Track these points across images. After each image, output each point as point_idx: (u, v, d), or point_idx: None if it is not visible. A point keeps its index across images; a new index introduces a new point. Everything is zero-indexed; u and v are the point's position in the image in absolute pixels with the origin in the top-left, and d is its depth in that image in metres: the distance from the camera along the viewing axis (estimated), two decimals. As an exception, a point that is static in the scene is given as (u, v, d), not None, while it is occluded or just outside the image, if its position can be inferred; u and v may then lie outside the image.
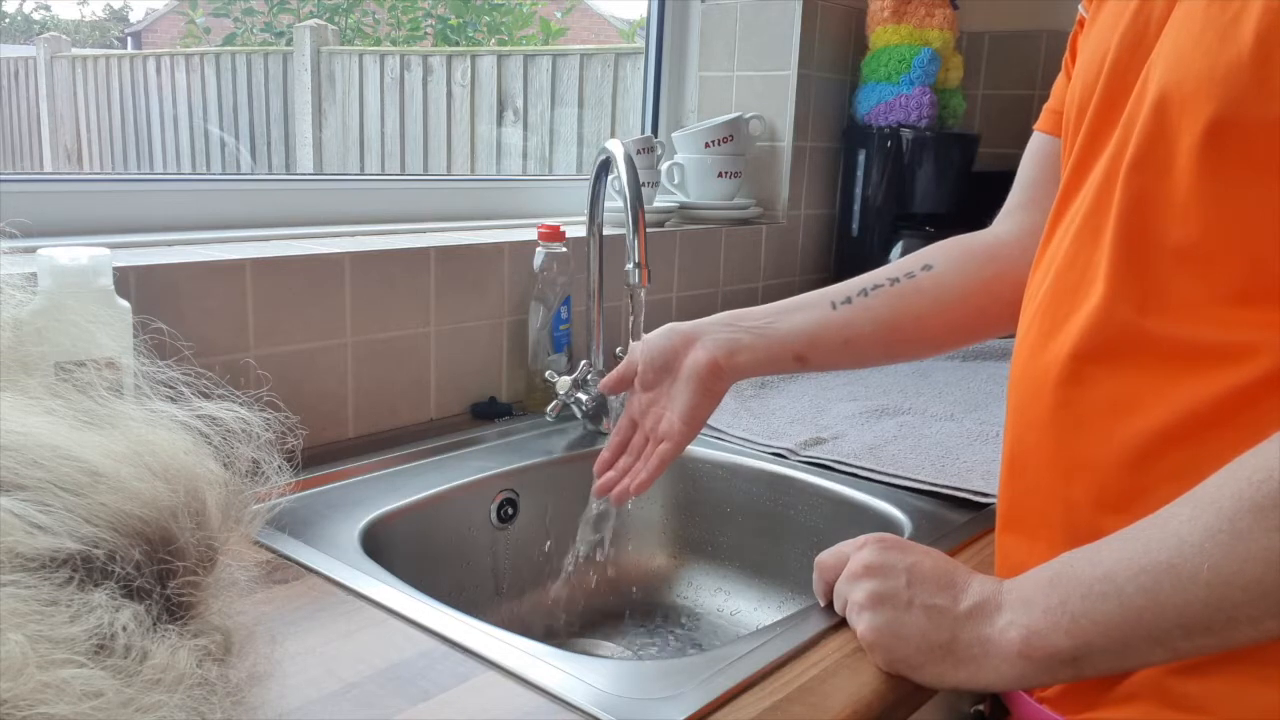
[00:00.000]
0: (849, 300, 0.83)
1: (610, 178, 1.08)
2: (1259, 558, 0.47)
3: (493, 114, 2.35)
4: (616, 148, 0.99)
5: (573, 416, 1.12)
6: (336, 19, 2.96)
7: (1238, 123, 0.51)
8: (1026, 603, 0.56)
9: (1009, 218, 0.84)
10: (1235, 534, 0.48)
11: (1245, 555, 0.47)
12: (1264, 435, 0.50)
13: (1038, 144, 0.81)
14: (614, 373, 0.87)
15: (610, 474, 0.86)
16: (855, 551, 0.66)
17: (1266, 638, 0.49)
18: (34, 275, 0.68)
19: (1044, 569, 0.57)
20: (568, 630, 1.01)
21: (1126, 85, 0.59)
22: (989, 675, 0.57)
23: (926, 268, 0.83)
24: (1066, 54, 0.75)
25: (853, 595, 0.64)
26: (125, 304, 0.72)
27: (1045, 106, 0.80)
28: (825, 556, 0.70)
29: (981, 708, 0.74)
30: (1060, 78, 0.77)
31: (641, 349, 0.85)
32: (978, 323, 0.83)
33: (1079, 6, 0.73)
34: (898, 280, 0.84)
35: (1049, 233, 0.67)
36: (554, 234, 1.13)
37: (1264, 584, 0.47)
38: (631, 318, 0.99)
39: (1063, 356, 0.60)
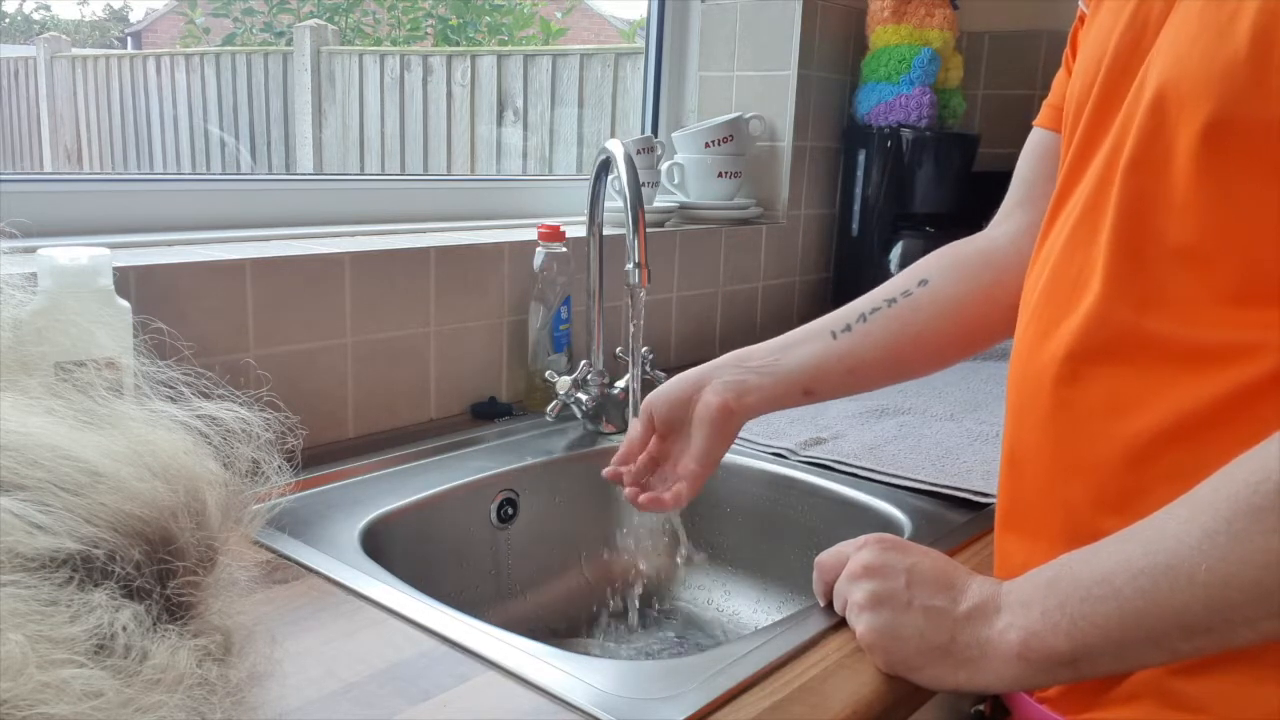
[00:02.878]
0: (849, 328, 0.83)
1: (610, 178, 1.08)
2: (1256, 560, 0.47)
3: (493, 114, 2.35)
4: (616, 148, 0.99)
5: (573, 416, 1.12)
6: (336, 19, 2.96)
7: (1235, 122, 0.51)
8: (1025, 604, 0.56)
9: (1007, 219, 0.83)
10: (1233, 536, 0.48)
11: (1243, 557, 0.47)
12: (1263, 435, 0.49)
13: (1037, 140, 0.81)
14: (624, 443, 0.87)
15: (630, 479, 0.87)
16: (855, 552, 0.66)
17: (1265, 639, 0.49)
18: (34, 275, 0.68)
19: (1042, 571, 0.57)
20: (568, 630, 1.01)
21: (1124, 83, 0.59)
22: (988, 677, 0.57)
23: (923, 283, 0.83)
24: (1067, 49, 0.75)
25: (852, 596, 0.64)
26: (125, 304, 0.72)
27: (1045, 102, 0.79)
28: (825, 557, 0.70)
29: (982, 708, 0.74)
30: (1060, 73, 0.77)
31: (653, 403, 0.86)
32: (981, 331, 0.83)
33: (1079, 2, 0.72)
34: (894, 300, 0.83)
35: (1045, 230, 0.67)
36: (554, 234, 1.13)
37: (1262, 585, 0.47)
38: (632, 319, 0.99)
39: (1059, 356, 0.60)
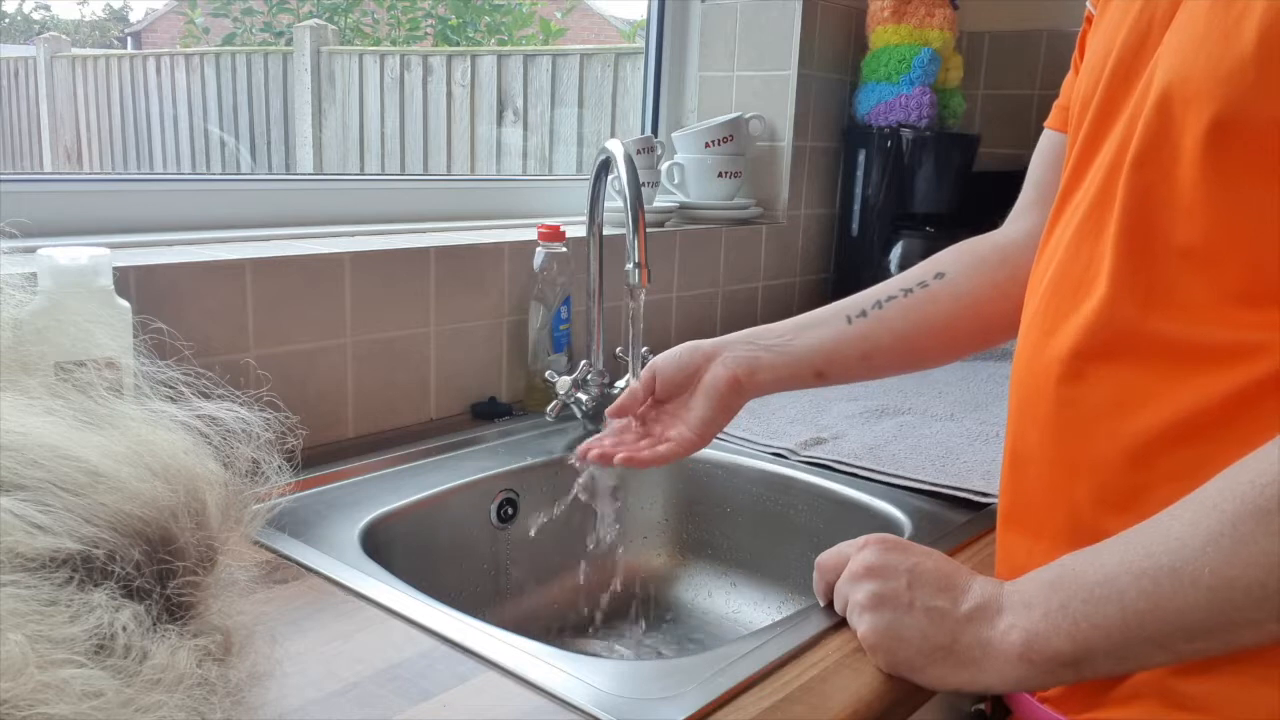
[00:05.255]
0: (864, 314, 0.84)
1: (610, 178, 1.08)
2: (1260, 562, 0.47)
3: (493, 114, 2.35)
4: (616, 148, 0.99)
5: (573, 416, 1.12)
6: (336, 19, 2.96)
7: (1241, 122, 0.51)
8: (1028, 605, 0.56)
9: (1021, 217, 0.84)
10: (1237, 538, 0.48)
11: (1247, 559, 0.47)
12: (1266, 436, 0.49)
13: (1048, 141, 0.81)
14: (625, 394, 0.86)
15: (598, 442, 0.85)
16: (856, 552, 0.66)
17: (1268, 641, 0.49)
18: (34, 275, 0.68)
19: (1045, 571, 0.57)
20: (568, 630, 1.01)
21: (1130, 83, 0.60)
22: (990, 677, 0.57)
23: (939, 275, 0.83)
24: (1075, 51, 0.75)
25: (854, 596, 0.64)
26: (125, 304, 0.72)
27: (1055, 103, 0.80)
28: (826, 557, 0.70)
29: (983, 707, 0.74)
30: (1069, 74, 0.77)
31: (659, 365, 0.85)
32: (994, 327, 0.83)
33: (1087, 4, 0.73)
34: (911, 290, 0.84)
35: (1049, 229, 0.67)
36: (554, 234, 1.13)
37: (1265, 588, 0.47)
38: (631, 319, 0.99)
39: (1064, 354, 0.60)
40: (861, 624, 0.63)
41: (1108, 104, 0.61)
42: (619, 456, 0.82)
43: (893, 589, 0.62)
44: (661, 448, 0.82)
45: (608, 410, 0.87)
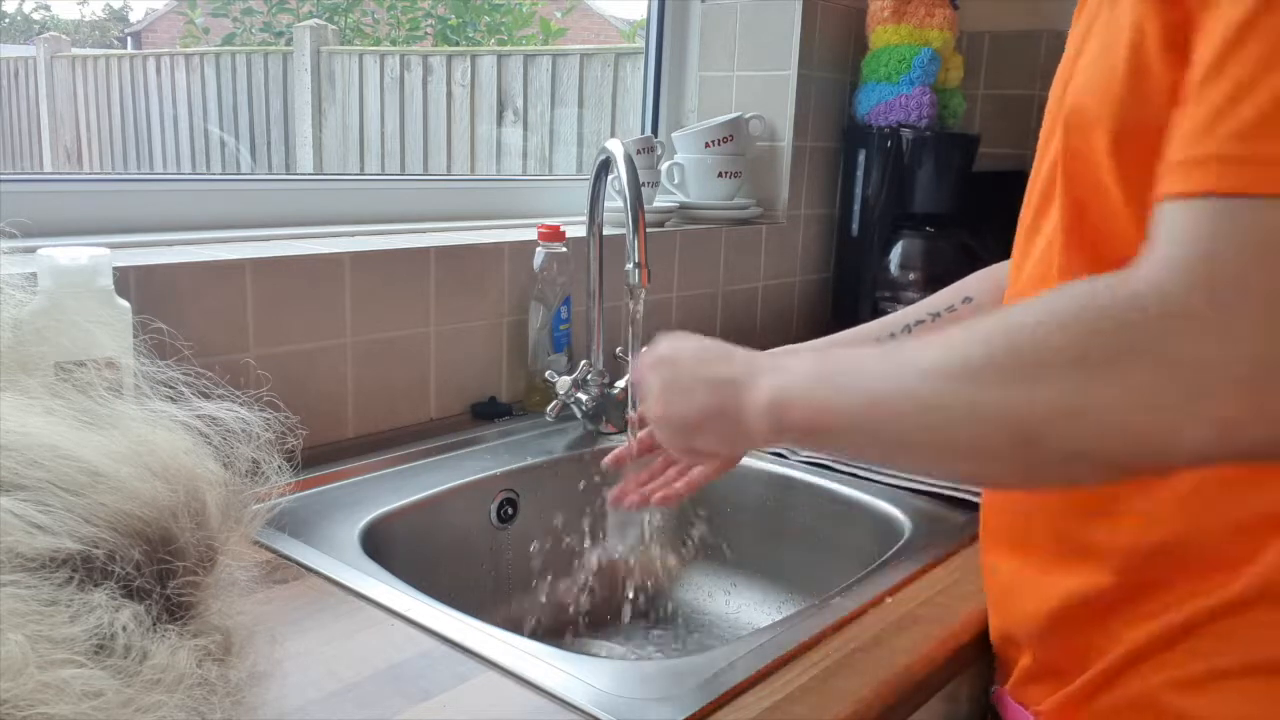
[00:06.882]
0: (893, 337, 0.84)
1: (610, 178, 1.08)
2: (985, 415, 0.47)
3: (493, 114, 2.35)
4: (616, 148, 0.99)
5: (573, 416, 1.12)
6: (336, 19, 2.96)
7: (1132, 132, 0.53)
8: (786, 371, 0.59)
9: None
10: (973, 381, 0.48)
11: (971, 399, 0.47)
12: None
13: None
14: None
15: (629, 487, 0.85)
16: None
17: (964, 478, 0.50)
18: (34, 275, 0.68)
19: (817, 355, 0.59)
20: (568, 630, 1.01)
21: (1060, 104, 0.62)
22: (749, 431, 0.60)
23: (967, 300, 0.84)
24: None
25: (648, 382, 0.69)
26: (125, 304, 0.72)
27: None
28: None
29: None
30: None
31: None
32: None
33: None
34: (939, 315, 0.84)
35: (1017, 246, 0.68)
36: (554, 234, 1.13)
37: (987, 440, 0.47)
38: (632, 319, 0.99)
39: None
40: (653, 403, 0.67)
41: (1047, 126, 0.63)
42: (656, 496, 0.81)
43: (676, 371, 0.66)
44: (695, 473, 0.81)
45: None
